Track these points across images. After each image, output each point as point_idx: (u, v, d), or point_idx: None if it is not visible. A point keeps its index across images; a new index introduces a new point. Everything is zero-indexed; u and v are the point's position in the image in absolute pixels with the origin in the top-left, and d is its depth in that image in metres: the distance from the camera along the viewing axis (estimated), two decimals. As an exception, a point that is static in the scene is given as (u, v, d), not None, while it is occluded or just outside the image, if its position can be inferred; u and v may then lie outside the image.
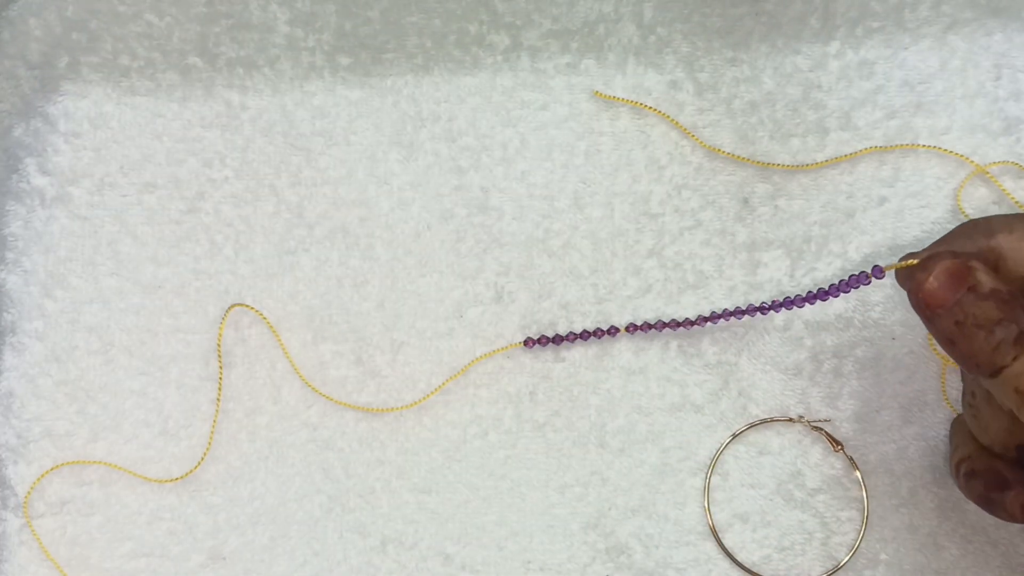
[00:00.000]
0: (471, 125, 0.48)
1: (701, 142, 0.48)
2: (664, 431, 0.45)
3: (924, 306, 0.36)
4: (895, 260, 0.46)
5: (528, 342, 0.45)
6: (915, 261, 0.37)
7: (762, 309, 0.43)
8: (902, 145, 0.47)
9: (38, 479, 0.45)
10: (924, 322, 0.36)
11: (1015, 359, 0.35)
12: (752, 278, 0.46)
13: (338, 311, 0.47)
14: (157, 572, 0.44)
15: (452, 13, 0.49)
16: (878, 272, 0.38)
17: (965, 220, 0.38)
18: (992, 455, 0.39)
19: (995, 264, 0.37)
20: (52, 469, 0.45)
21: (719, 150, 0.47)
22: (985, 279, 0.36)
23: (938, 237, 0.46)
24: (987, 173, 0.46)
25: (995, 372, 0.35)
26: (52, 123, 0.48)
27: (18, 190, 0.48)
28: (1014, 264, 0.36)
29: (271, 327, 0.46)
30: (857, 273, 0.39)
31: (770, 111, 0.48)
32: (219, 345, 0.46)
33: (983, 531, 0.44)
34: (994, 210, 0.46)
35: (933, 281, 0.36)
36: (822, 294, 0.40)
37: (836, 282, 0.39)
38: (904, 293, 0.45)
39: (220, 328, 0.46)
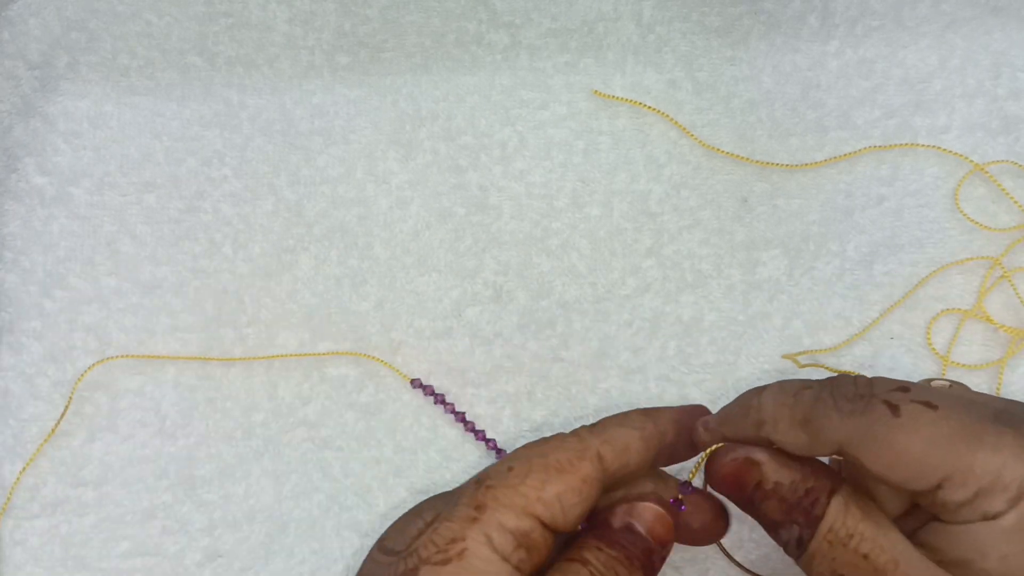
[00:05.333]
0: (470, 124, 0.48)
1: (700, 141, 0.48)
2: (662, 430, 0.45)
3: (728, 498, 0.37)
4: (893, 259, 0.46)
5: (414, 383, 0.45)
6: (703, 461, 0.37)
7: None
8: (901, 144, 0.47)
9: (85, 372, 0.45)
10: None
11: (800, 559, 0.34)
12: (751, 277, 0.46)
13: (337, 310, 0.47)
14: (154, 571, 0.44)
15: (451, 12, 0.49)
16: (685, 489, 0.38)
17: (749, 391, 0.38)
18: None
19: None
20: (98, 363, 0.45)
21: (718, 149, 0.47)
22: (769, 473, 0.35)
23: (937, 237, 0.46)
24: (986, 172, 0.46)
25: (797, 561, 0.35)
26: (52, 123, 0.49)
27: (17, 190, 0.48)
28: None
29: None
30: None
31: (769, 110, 0.48)
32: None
33: (982, 530, 0.43)
34: (992, 209, 0.46)
35: (720, 483, 0.37)
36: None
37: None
38: (904, 292, 0.45)
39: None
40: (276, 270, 0.47)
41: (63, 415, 0.45)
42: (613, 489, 0.37)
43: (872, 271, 0.46)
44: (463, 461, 0.45)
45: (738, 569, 0.44)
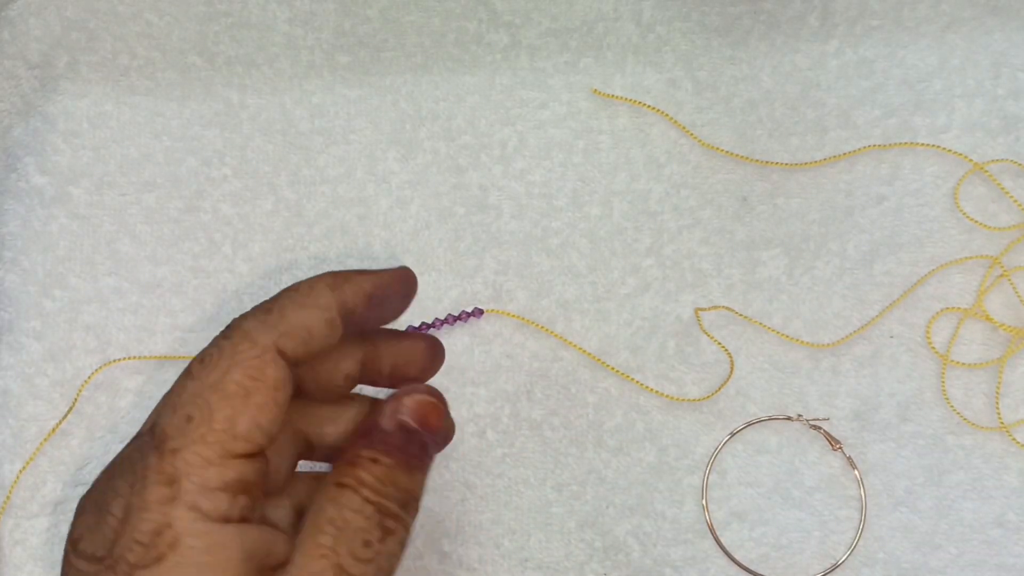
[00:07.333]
0: (470, 124, 0.48)
1: (700, 140, 0.48)
2: (661, 429, 0.45)
3: None
4: (893, 258, 0.46)
5: None
6: None
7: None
8: (901, 143, 0.47)
9: (94, 372, 0.45)
10: None
11: None
12: (751, 277, 0.46)
13: (336, 310, 0.47)
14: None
15: (451, 12, 0.49)
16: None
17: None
18: None
19: None
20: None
21: (718, 148, 0.47)
22: None
23: (936, 236, 0.46)
24: (986, 171, 0.46)
25: None
26: (51, 122, 0.49)
27: (17, 189, 0.48)
28: None
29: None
30: None
31: (769, 109, 0.48)
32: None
33: (980, 530, 0.43)
34: (992, 209, 0.46)
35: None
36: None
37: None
38: (904, 291, 0.45)
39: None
40: (276, 270, 0.47)
41: (66, 416, 0.45)
42: (311, 362, 0.33)
43: (872, 270, 0.46)
44: (463, 461, 0.45)
45: (738, 569, 0.44)
